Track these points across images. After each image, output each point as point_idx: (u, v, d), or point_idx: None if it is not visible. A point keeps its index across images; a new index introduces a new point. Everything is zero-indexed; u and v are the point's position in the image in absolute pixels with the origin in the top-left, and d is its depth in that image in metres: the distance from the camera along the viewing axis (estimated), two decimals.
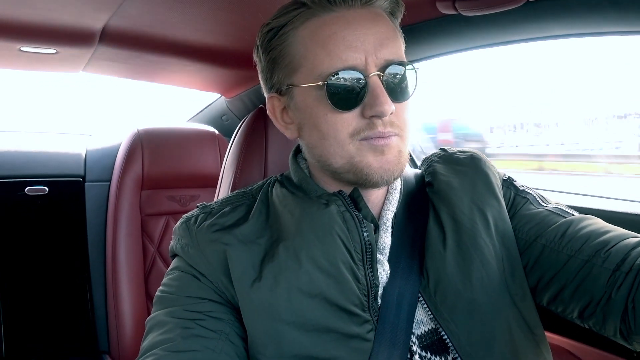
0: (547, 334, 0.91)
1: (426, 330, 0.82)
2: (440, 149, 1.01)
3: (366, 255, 0.81)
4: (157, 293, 0.86)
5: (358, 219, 0.82)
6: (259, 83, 0.93)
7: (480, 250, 0.84)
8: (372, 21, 0.81)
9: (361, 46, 0.78)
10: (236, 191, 0.97)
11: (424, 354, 0.80)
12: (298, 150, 0.98)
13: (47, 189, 2.04)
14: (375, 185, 0.83)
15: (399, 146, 0.81)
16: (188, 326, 0.78)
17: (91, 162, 2.16)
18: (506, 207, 0.92)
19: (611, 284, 0.76)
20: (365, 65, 0.78)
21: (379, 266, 0.83)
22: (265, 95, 0.92)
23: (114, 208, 1.99)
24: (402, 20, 0.88)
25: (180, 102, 2.67)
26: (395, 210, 0.89)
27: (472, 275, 0.82)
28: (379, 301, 0.82)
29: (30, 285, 1.99)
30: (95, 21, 1.34)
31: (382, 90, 0.78)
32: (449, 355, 0.80)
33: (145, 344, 0.78)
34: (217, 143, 2.14)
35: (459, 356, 0.79)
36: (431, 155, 1.00)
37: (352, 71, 0.78)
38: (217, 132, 2.18)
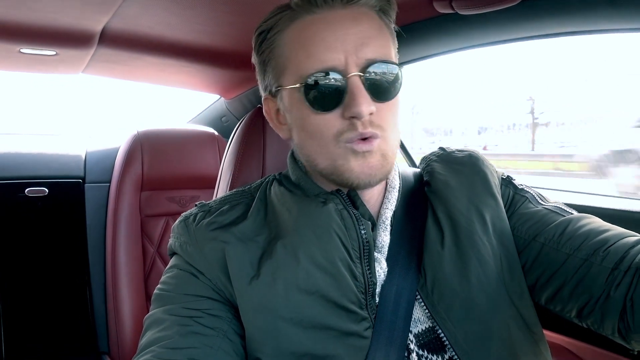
0: (546, 332, 0.91)
1: (423, 328, 0.82)
2: (439, 148, 1.02)
3: (364, 253, 0.81)
4: (156, 291, 0.86)
5: (356, 217, 0.82)
6: (257, 84, 0.94)
7: (478, 249, 0.84)
8: (354, 20, 0.80)
9: (340, 47, 0.78)
10: (234, 190, 0.97)
11: (421, 352, 0.80)
12: None
13: (47, 190, 2.04)
14: (357, 188, 0.83)
15: (381, 149, 0.81)
16: (186, 323, 0.78)
17: (91, 164, 2.17)
18: (505, 205, 0.92)
19: (610, 283, 0.76)
20: (345, 66, 0.78)
21: (376, 264, 0.83)
22: (262, 96, 0.93)
23: (114, 209, 1.99)
24: (398, 19, 0.88)
25: (180, 103, 2.68)
26: (394, 209, 0.89)
27: (470, 274, 0.82)
28: (377, 299, 0.82)
29: (30, 286, 1.99)
30: (95, 23, 1.34)
31: (360, 91, 0.77)
32: (446, 353, 0.80)
33: (143, 341, 0.79)
34: (217, 144, 2.14)
35: (456, 355, 0.79)
36: (430, 154, 1.00)
37: (331, 72, 0.78)
38: (216, 133, 2.19)
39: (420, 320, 0.83)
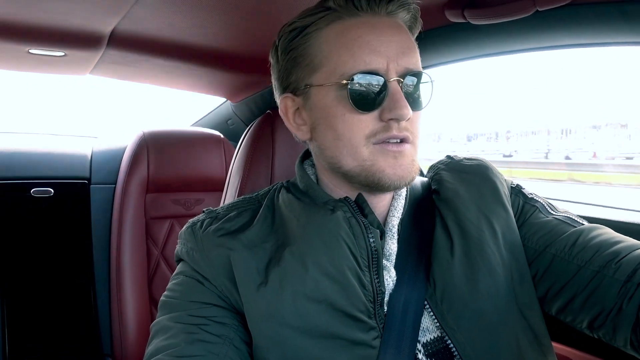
0: (554, 344, 0.90)
1: (432, 338, 0.82)
2: (447, 156, 1.01)
3: (372, 261, 0.81)
4: (162, 298, 0.86)
5: (364, 225, 0.82)
6: (265, 88, 0.94)
7: (488, 259, 0.84)
8: (396, 30, 0.82)
9: (384, 51, 0.80)
10: (242, 196, 0.97)
11: None
12: (305, 157, 0.98)
13: (52, 190, 2.04)
14: (386, 189, 0.83)
15: (412, 155, 0.82)
16: (192, 331, 0.78)
17: (97, 165, 2.17)
18: (515, 215, 0.91)
19: (622, 295, 0.76)
20: (387, 70, 0.79)
21: (385, 272, 0.82)
22: (278, 96, 0.92)
23: (119, 211, 1.99)
24: None
25: (186, 105, 2.68)
26: (400, 217, 0.89)
27: (479, 284, 0.82)
28: (385, 308, 0.81)
29: (34, 287, 1.99)
30: (104, 25, 1.35)
31: (401, 95, 0.79)
32: None
33: (149, 349, 0.78)
34: (223, 147, 2.14)
35: None
36: (437, 162, 1.00)
37: (374, 74, 0.79)
38: (222, 136, 2.18)
39: (428, 329, 0.82)
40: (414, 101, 0.82)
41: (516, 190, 0.96)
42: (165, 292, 0.87)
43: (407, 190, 0.93)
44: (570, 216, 0.90)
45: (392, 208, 0.89)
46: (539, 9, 1.00)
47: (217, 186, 2.09)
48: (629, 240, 0.82)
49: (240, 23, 1.34)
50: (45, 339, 1.98)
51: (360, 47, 0.79)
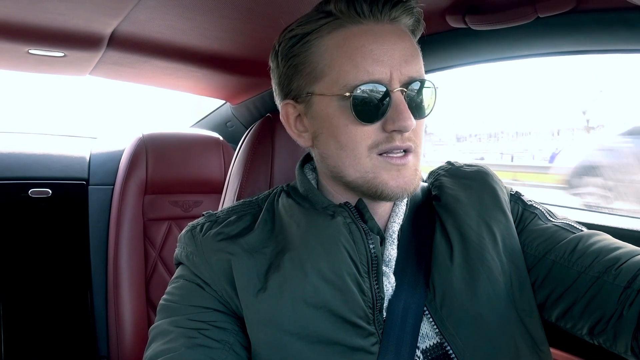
0: (552, 350, 0.90)
1: (431, 344, 0.82)
2: (447, 162, 1.01)
3: (372, 267, 0.80)
4: (161, 301, 0.86)
5: (364, 231, 0.82)
6: (265, 90, 0.93)
7: (488, 266, 0.84)
8: (399, 37, 0.81)
9: (387, 61, 0.78)
10: (242, 200, 0.97)
11: None
12: (305, 161, 0.98)
13: (50, 191, 2.04)
14: (388, 200, 0.83)
15: (415, 165, 0.82)
16: (192, 336, 0.78)
17: (95, 166, 2.16)
18: (514, 222, 0.91)
19: (623, 301, 0.76)
20: (390, 80, 0.78)
21: (384, 279, 0.82)
22: (279, 101, 0.92)
23: (117, 212, 1.98)
24: None
25: (186, 107, 2.68)
26: (401, 223, 0.89)
27: (479, 290, 0.82)
28: (384, 314, 0.81)
29: (31, 288, 1.98)
30: (105, 26, 1.34)
31: (405, 106, 0.78)
32: None
33: (148, 353, 0.78)
34: (222, 149, 2.13)
35: None
36: (438, 168, 1.00)
37: (377, 84, 0.78)
38: (221, 138, 2.18)
39: (428, 335, 0.82)
40: (417, 109, 0.82)
41: (515, 198, 0.96)
42: (164, 296, 0.86)
43: (408, 197, 0.93)
44: (570, 222, 0.91)
45: (393, 214, 0.89)
46: (540, 16, 1.00)
47: (216, 188, 2.09)
48: (629, 247, 0.82)
49: (240, 26, 1.34)
50: (41, 340, 1.97)
51: (363, 57, 0.78)
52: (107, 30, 1.38)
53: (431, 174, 1.00)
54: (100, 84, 2.15)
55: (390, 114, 0.78)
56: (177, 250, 0.91)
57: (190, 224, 0.91)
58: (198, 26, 1.35)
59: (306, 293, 0.78)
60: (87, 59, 1.63)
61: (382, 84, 0.78)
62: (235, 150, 1.31)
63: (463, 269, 0.83)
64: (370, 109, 0.78)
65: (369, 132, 0.79)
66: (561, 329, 0.86)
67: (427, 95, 0.83)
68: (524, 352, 0.82)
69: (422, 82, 0.82)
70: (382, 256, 0.84)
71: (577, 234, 0.87)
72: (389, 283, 0.83)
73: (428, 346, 0.81)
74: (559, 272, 0.84)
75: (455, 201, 0.90)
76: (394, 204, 0.91)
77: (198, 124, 2.56)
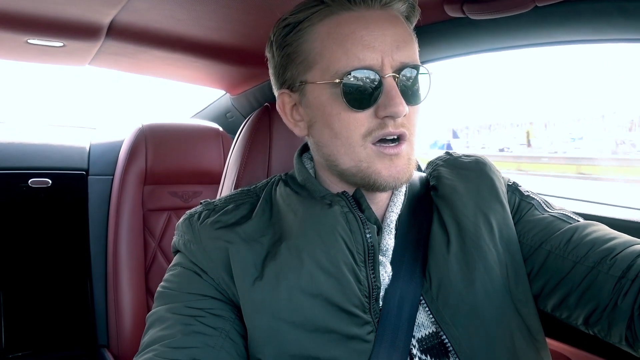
0: (548, 340, 0.91)
1: (427, 333, 0.82)
2: (445, 152, 1.01)
3: (368, 256, 0.81)
4: (159, 289, 0.86)
5: (361, 220, 0.82)
6: (265, 81, 0.93)
7: (484, 255, 0.84)
8: (390, 23, 0.81)
9: (378, 47, 0.78)
10: (240, 189, 0.97)
11: (423, 357, 0.80)
12: (303, 150, 0.98)
13: (50, 181, 2.04)
14: (381, 190, 0.83)
15: (408, 154, 0.82)
16: (188, 323, 0.78)
17: (95, 156, 2.16)
18: (511, 212, 0.92)
19: (617, 291, 0.76)
20: (381, 66, 0.78)
21: (381, 268, 0.83)
22: (276, 91, 0.92)
23: (117, 202, 1.99)
24: None
25: (185, 97, 2.68)
26: (399, 213, 0.89)
27: (475, 280, 0.82)
28: (380, 303, 0.81)
29: (30, 277, 1.99)
30: (104, 15, 1.34)
31: (397, 92, 0.78)
32: (449, 359, 0.80)
33: (145, 339, 0.79)
34: (221, 140, 2.14)
35: None
36: (436, 158, 1.00)
37: (368, 71, 0.78)
38: (221, 129, 2.18)
39: (423, 325, 0.83)
40: (411, 95, 0.81)
41: (512, 188, 0.96)
42: (162, 283, 0.87)
43: (406, 187, 0.93)
44: (566, 213, 0.91)
45: (391, 204, 0.89)
46: (538, 5, 1.00)
47: (215, 179, 2.08)
48: (624, 237, 0.83)
49: (240, 16, 1.33)
50: (41, 329, 1.99)
51: (354, 43, 0.78)
52: (106, 19, 1.37)
53: (429, 164, 1.00)
54: (100, 74, 2.14)
55: (382, 100, 0.78)
56: (174, 238, 0.91)
57: (188, 212, 0.91)
58: (197, 16, 1.34)
59: (302, 281, 0.78)
60: (87, 48, 1.63)
61: (373, 70, 0.78)
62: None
63: (459, 258, 0.83)
64: (361, 96, 0.78)
65: (362, 119, 0.79)
66: (557, 319, 0.86)
67: (421, 82, 0.82)
68: (519, 342, 0.82)
69: (416, 67, 0.81)
70: (379, 245, 0.84)
71: (573, 224, 0.87)
72: (386, 272, 0.83)
73: (424, 335, 0.82)
74: (555, 263, 0.84)
75: (452, 191, 0.90)
76: (392, 193, 0.91)
77: (198, 114, 2.56)
